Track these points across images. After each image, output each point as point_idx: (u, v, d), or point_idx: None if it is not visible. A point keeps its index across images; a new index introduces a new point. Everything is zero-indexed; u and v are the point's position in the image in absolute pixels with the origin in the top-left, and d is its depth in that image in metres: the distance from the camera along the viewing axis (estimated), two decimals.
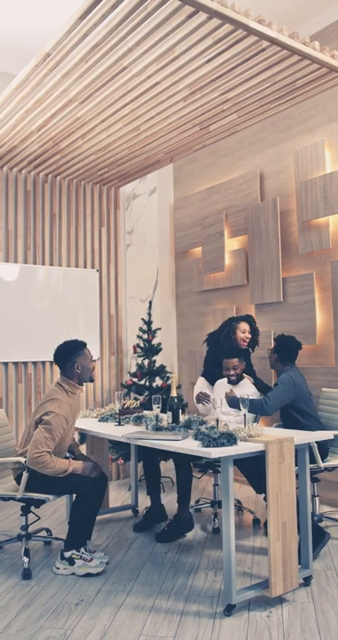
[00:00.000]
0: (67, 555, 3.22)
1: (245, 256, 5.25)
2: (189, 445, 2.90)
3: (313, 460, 3.49)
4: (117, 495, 4.96)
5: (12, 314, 5.00)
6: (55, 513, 4.37)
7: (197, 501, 4.49)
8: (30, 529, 3.48)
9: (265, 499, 3.02)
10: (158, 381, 5.49)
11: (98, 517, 4.10)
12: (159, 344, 5.47)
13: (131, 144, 4.57)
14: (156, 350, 5.44)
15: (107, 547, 3.66)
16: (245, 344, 4.30)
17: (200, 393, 4.26)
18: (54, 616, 2.73)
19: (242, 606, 2.78)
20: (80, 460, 3.46)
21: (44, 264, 5.26)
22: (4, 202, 5.07)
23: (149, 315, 5.51)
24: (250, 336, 4.32)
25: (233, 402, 3.71)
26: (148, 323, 5.49)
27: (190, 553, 3.54)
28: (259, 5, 4.08)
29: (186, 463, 3.78)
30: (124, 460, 5.25)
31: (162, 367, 5.43)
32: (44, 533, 3.79)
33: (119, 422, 3.78)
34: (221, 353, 4.13)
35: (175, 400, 3.48)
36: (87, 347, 3.52)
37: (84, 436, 4.58)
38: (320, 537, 3.41)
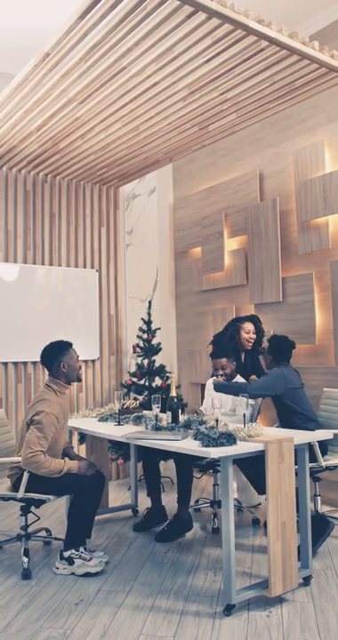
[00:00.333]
0: (66, 554, 3.22)
1: (245, 256, 5.25)
2: (188, 445, 2.91)
3: (313, 459, 3.49)
4: (117, 495, 4.96)
5: (11, 314, 5.00)
6: (55, 513, 4.37)
7: (197, 501, 4.49)
8: (30, 529, 3.48)
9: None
10: (158, 381, 5.49)
11: (97, 517, 4.10)
12: (159, 344, 5.47)
13: (130, 144, 4.57)
14: (156, 350, 5.44)
15: (106, 546, 3.66)
16: (250, 345, 4.27)
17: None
18: (54, 616, 2.73)
19: (242, 606, 2.79)
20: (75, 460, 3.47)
21: (43, 264, 5.26)
22: (3, 202, 5.07)
23: (149, 315, 5.51)
24: (255, 336, 4.29)
25: (220, 387, 3.75)
26: (148, 323, 5.49)
27: (190, 553, 3.54)
28: (258, 5, 4.08)
29: (187, 464, 3.78)
30: (124, 460, 5.25)
31: (161, 367, 5.43)
32: (43, 533, 3.79)
33: (119, 422, 3.77)
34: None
35: (175, 400, 3.48)
36: (73, 347, 3.54)
37: (83, 435, 4.57)
38: (325, 525, 3.40)
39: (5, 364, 4.95)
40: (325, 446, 3.69)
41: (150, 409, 3.89)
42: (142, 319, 5.54)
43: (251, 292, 5.12)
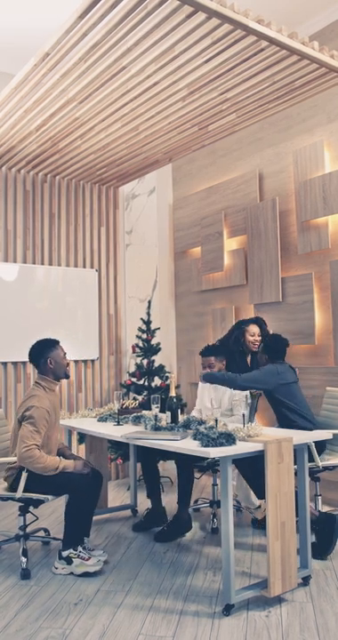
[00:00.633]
0: (64, 554, 3.22)
1: (245, 256, 5.25)
2: (187, 445, 2.90)
3: (312, 459, 3.49)
4: (116, 495, 4.96)
5: (11, 314, 4.99)
6: (53, 513, 4.37)
7: (196, 501, 4.49)
8: (28, 529, 3.47)
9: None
10: (157, 381, 5.49)
11: (97, 517, 4.11)
12: (158, 344, 5.47)
13: (130, 144, 4.57)
14: (155, 350, 5.44)
15: (106, 546, 3.66)
16: (256, 347, 4.24)
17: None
18: (53, 616, 2.73)
19: (241, 606, 2.78)
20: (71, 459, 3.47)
21: (43, 264, 5.26)
22: (3, 202, 5.07)
23: (148, 314, 5.51)
24: (260, 339, 4.25)
25: (208, 377, 3.79)
26: (148, 322, 5.49)
27: (189, 553, 3.54)
28: (258, 5, 4.08)
29: (188, 465, 3.77)
30: (123, 460, 5.25)
31: (161, 367, 5.43)
32: (42, 533, 3.79)
33: (118, 422, 3.77)
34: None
35: (174, 400, 3.48)
36: (60, 344, 3.57)
37: (83, 435, 4.57)
38: (332, 523, 3.38)
39: (5, 363, 4.95)
40: (322, 445, 3.69)
41: (150, 409, 3.89)
42: (142, 319, 5.54)
43: (250, 292, 5.12)
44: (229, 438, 2.84)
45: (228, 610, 2.71)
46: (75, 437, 5.01)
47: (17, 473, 3.28)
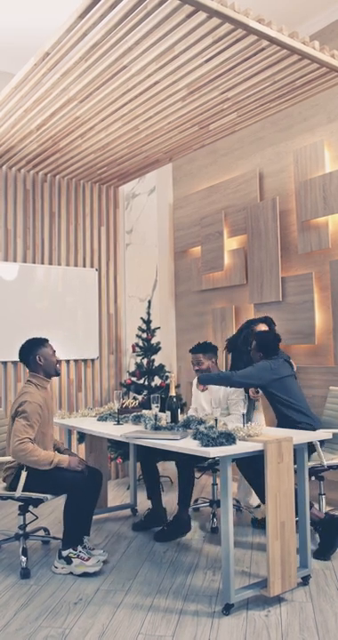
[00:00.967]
0: (64, 554, 3.22)
1: (245, 256, 5.25)
2: (187, 445, 2.91)
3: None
4: (116, 494, 4.96)
5: (11, 313, 5.00)
6: (53, 512, 4.37)
7: (196, 501, 4.48)
8: (28, 528, 3.48)
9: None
10: (157, 381, 5.49)
11: (96, 517, 4.11)
12: (158, 343, 5.47)
13: (130, 143, 4.56)
14: (156, 349, 5.44)
15: (105, 546, 3.66)
16: None
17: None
18: (53, 615, 2.73)
19: (240, 605, 2.79)
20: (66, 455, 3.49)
21: (43, 263, 5.26)
22: (3, 201, 5.07)
23: (148, 314, 5.51)
24: None
25: (205, 378, 3.81)
26: (148, 322, 5.49)
27: (189, 552, 3.54)
28: (258, 5, 4.08)
29: (188, 466, 3.76)
30: (123, 460, 5.25)
31: (161, 366, 5.43)
32: (41, 533, 3.79)
33: (118, 421, 3.77)
34: (239, 356, 4.12)
35: (174, 399, 3.48)
36: (49, 342, 3.59)
37: (82, 435, 4.57)
38: (337, 525, 3.38)
39: (5, 363, 4.95)
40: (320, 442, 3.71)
41: (150, 408, 3.89)
42: (142, 318, 5.54)
43: (250, 292, 5.12)
44: (229, 438, 2.84)
45: (227, 609, 2.71)
46: (75, 437, 5.01)
47: (16, 472, 3.29)
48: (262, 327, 4.24)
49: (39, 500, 3.27)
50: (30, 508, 3.38)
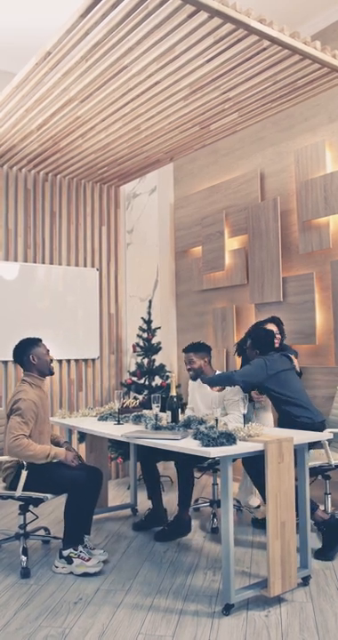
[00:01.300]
0: (65, 553, 3.22)
1: (246, 255, 5.25)
2: (188, 445, 2.90)
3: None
4: (116, 494, 4.96)
5: (11, 312, 5.00)
6: (54, 512, 4.37)
7: (196, 501, 4.48)
8: (28, 528, 3.48)
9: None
10: (158, 380, 5.49)
11: (97, 516, 4.11)
12: (159, 343, 5.47)
13: (131, 143, 4.56)
14: (156, 349, 5.44)
15: (105, 545, 3.66)
16: (277, 343, 4.14)
17: None
18: (53, 615, 2.73)
19: (240, 606, 2.78)
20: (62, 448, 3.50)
21: (43, 263, 5.26)
22: (4, 200, 5.07)
23: (149, 314, 5.51)
24: (279, 336, 4.19)
25: (210, 380, 3.85)
26: (148, 322, 5.49)
27: (189, 552, 3.54)
28: (260, 5, 4.07)
29: (188, 466, 3.75)
30: (124, 459, 5.25)
31: (161, 366, 5.43)
32: (42, 532, 3.79)
33: (118, 421, 3.77)
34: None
35: (175, 399, 3.48)
36: (42, 342, 3.62)
37: (83, 435, 4.57)
38: None
39: (5, 362, 4.95)
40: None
41: (150, 408, 3.89)
42: (142, 318, 5.54)
43: (251, 292, 5.12)
44: (229, 438, 2.84)
45: (227, 609, 2.71)
46: (75, 436, 5.01)
47: (15, 472, 3.29)
48: (273, 327, 4.21)
49: (39, 500, 3.28)
50: (30, 507, 3.38)
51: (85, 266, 5.54)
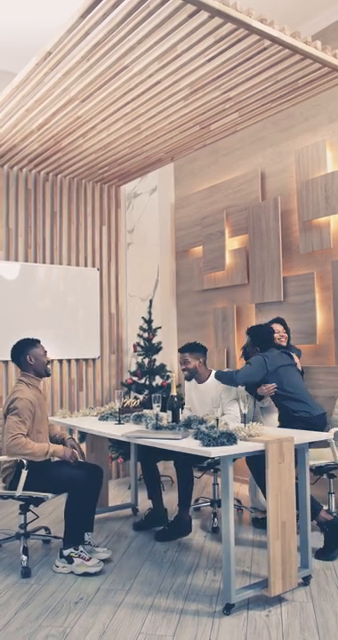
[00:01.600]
0: (65, 553, 3.22)
1: (246, 255, 5.25)
2: (188, 444, 2.90)
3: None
4: (117, 494, 4.96)
5: (12, 312, 5.00)
6: (54, 511, 4.37)
7: (197, 500, 4.49)
8: (29, 527, 3.48)
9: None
10: (158, 380, 5.49)
11: (98, 516, 4.10)
12: (159, 343, 5.47)
13: (131, 143, 4.56)
14: (157, 349, 5.44)
15: (106, 545, 3.66)
16: (284, 341, 4.17)
17: None
18: (53, 614, 2.73)
19: (241, 605, 2.78)
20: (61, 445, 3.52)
21: (44, 262, 5.26)
22: (4, 200, 5.07)
23: (150, 313, 5.51)
24: (285, 335, 4.20)
25: (218, 375, 3.92)
26: (149, 321, 5.49)
27: (190, 552, 3.54)
28: (261, 4, 4.07)
29: (187, 466, 3.75)
30: (124, 459, 5.25)
31: (162, 366, 5.43)
32: (42, 532, 3.79)
33: (119, 421, 3.77)
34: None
35: (175, 399, 3.48)
36: (40, 343, 3.64)
37: (84, 434, 4.57)
38: None
39: (6, 362, 4.95)
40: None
41: (151, 408, 3.89)
42: (143, 318, 5.54)
43: (252, 292, 5.12)
44: (230, 438, 2.84)
45: (228, 609, 2.71)
46: (76, 436, 5.01)
47: (15, 472, 3.29)
48: (278, 327, 4.19)
49: (40, 499, 3.28)
50: (31, 507, 3.38)
51: (86, 266, 5.54)
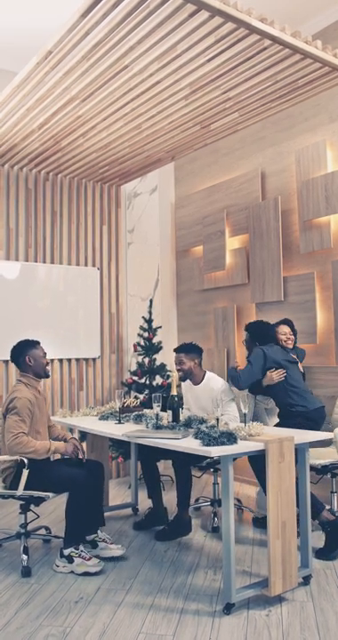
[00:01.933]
0: (66, 552, 3.22)
1: (246, 255, 5.25)
2: (189, 444, 2.90)
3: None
4: (117, 493, 4.97)
5: (12, 312, 5.00)
6: (54, 511, 4.37)
7: (197, 500, 4.49)
8: (29, 527, 3.48)
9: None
10: (159, 380, 5.49)
11: None
12: (160, 342, 5.47)
13: (132, 142, 4.56)
14: (157, 349, 5.44)
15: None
16: (291, 342, 4.13)
17: None
18: (54, 614, 2.73)
19: (241, 605, 2.79)
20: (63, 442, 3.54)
21: (44, 262, 5.26)
22: (5, 200, 5.07)
23: (150, 313, 5.51)
24: (292, 337, 4.15)
25: (228, 373, 3.98)
26: (149, 321, 5.49)
27: (190, 551, 3.54)
28: (261, 4, 4.07)
29: (185, 465, 3.74)
30: (124, 459, 5.26)
31: (162, 366, 5.43)
32: (42, 531, 3.79)
33: (119, 421, 3.77)
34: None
35: (175, 399, 3.48)
36: (40, 345, 3.66)
37: (84, 434, 4.57)
38: None
39: (6, 361, 4.95)
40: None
41: (151, 408, 3.89)
42: (143, 318, 5.54)
43: (252, 291, 5.12)
44: (230, 437, 2.84)
45: (228, 609, 2.71)
46: (76, 435, 5.00)
47: (15, 472, 3.29)
48: (285, 329, 4.15)
49: (41, 499, 3.28)
50: (31, 506, 3.39)
51: (86, 265, 5.54)
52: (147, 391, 5.29)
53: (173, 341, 6.11)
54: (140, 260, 6.00)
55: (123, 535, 3.86)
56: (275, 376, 3.90)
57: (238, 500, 4.35)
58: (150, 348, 5.42)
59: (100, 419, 3.95)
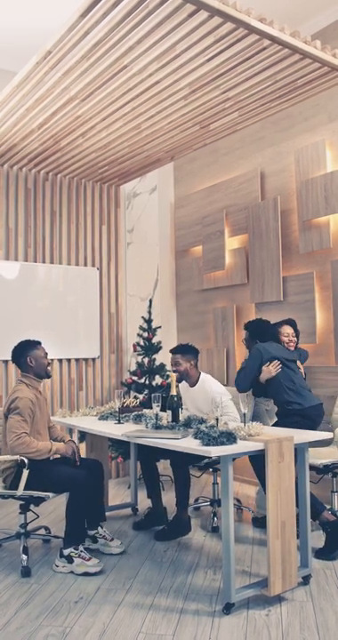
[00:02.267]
0: (65, 552, 3.22)
1: (246, 255, 5.25)
2: (188, 444, 2.90)
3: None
4: (117, 493, 4.97)
5: (12, 312, 5.00)
6: (54, 511, 4.37)
7: (197, 500, 4.49)
8: (29, 527, 3.48)
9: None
10: (158, 380, 5.49)
11: None
12: (159, 342, 5.47)
13: (131, 142, 4.56)
14: (157, 349, 5.44)
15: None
16: (293, 345, 4.12)
17: None
18: (53, 614, 2.73)
19: (241, 605, 2.79)
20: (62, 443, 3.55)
21: (44, 262, 5.26)
22: (4, 200, 5.07)
23: (150, 313, 5.51)
24: (295, 339, 4.14)
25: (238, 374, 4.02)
26: (149, 321, 5.49)
27: (189, 551, 3.54)
28: (260, 4, 4.07)
29: (183, 465, 3.73)
30: (124, 459, 5.26)
31: (162, 365, 5.43)
32: (42, 531, 3.79)
33: (119, 421, 3.77)
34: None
35: (175, 399, 3.48)
36: (41, 345, 3.66)
37: (84, 434, 4.57)
38: None
39: (6, 361, 4.95)
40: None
41: (151, 407, 3.89)
42: (143, 318, 5.54)
43: (252, 291, 5.12)
44: (229, 437, 2.84)
45: (228, 608, 2.71)
46: (76, 435, 5.01)
47: (15, 472, 3.29)
48: (288, 330, 4.14)
49: (41, 499, 3.29)
50: (31, 506, 3.39)
51: (86, 265, 5.54)
52: (146, 391, 5.29)
53: (172, 341, 6.11)
54: (139, 259, 6.00)
55: (122, 535, 3.86)
56: (272, 368, 3.87)
57: (238, 500, 4.35)
58: (150, 348, 5.42)
59: (99, 419, 3.96)
